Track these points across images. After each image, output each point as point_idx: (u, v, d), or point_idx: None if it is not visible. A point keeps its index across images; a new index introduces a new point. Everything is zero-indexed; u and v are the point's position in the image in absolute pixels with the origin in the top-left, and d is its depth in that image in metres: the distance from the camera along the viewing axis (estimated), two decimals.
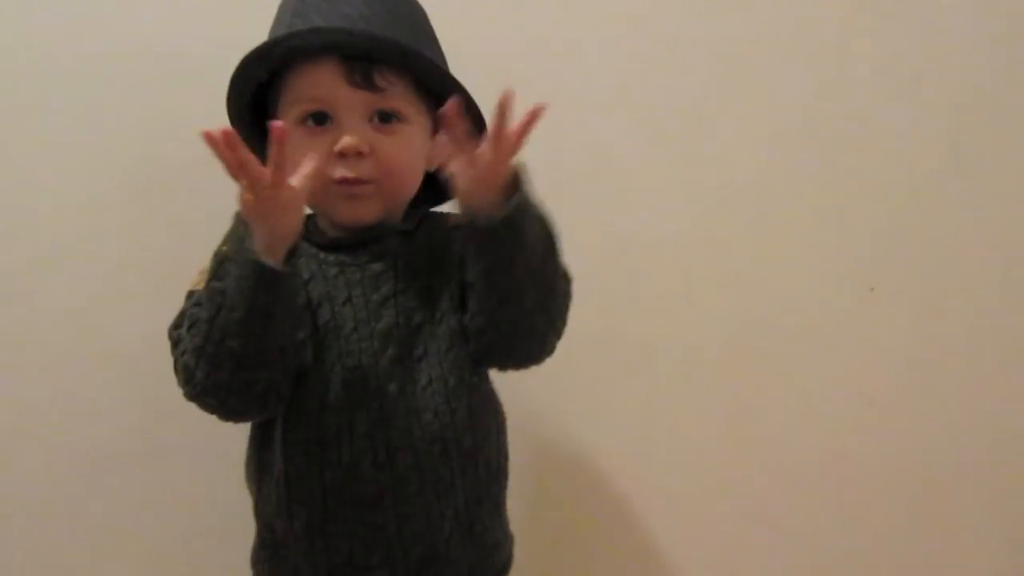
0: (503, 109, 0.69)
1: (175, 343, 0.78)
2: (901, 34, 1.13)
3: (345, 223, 0.83)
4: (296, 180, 0.70)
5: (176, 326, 0.79)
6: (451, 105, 0.70)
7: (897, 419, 1.15)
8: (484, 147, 0.71)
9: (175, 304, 0.86)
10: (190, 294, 0.81)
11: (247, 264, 0.69)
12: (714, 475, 1.13)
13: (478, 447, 0.82)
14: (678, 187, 1.11)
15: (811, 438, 1.14)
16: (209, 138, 0.66)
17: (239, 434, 0.88)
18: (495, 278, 0.77)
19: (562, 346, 1.04)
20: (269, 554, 0.84)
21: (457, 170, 0.73)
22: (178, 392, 0.92)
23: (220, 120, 0.94)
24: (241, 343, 0.72)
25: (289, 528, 0.81)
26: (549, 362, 0.94)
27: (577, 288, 1.03)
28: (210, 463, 1.02)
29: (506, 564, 0.88)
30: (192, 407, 0.88)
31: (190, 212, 1.01)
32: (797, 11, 1.12)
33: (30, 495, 1.04)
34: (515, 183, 0.73)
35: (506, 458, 0.88)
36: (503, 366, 0.86)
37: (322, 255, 0.82)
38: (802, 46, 1.12)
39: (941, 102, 1.14)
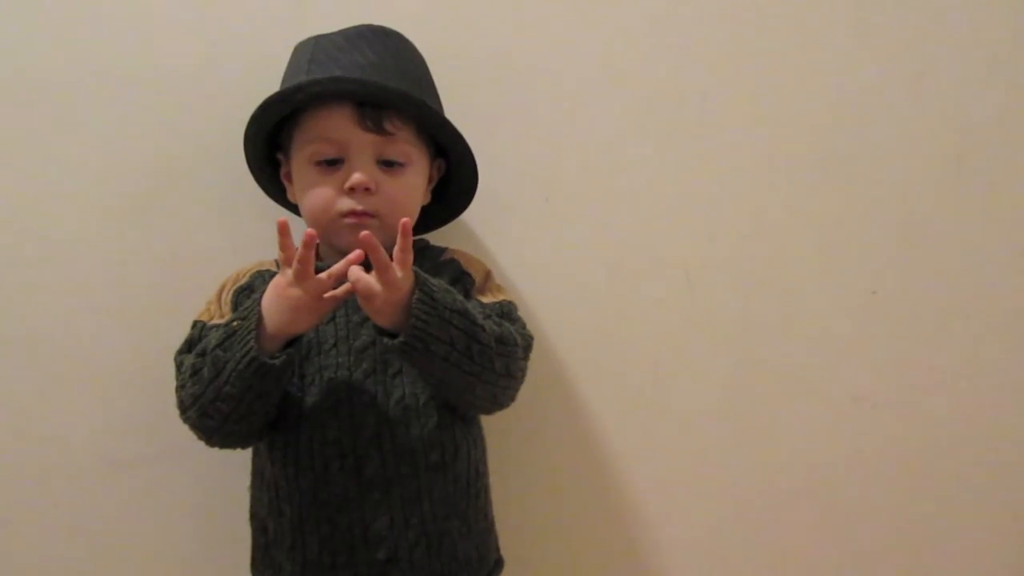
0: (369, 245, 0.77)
1: (178, 367, 0.88)
2: (904, 36, 1.13)
3: (346, 250, 0.90)
4: (329, 295, 0.81)
5: (180, 352, 0.89)
6: (365, 236, 0.77)
7: (899, 423, 1.15)
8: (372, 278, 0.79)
9: (178, 309, 0.95)
10: (195, 323, 0.90)
11: (248, 356, 0.79)
12: (716, 478, 1.14)
13: (446, 463, 0.88)
14: (680, 190, 1.12)
15: (813, 441, 1.14)
16: (282, 228, 0.78)
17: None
18: (421, 374, 0.86)
19: (565, 350, 1.09)
20: (261, 555, 0.92)
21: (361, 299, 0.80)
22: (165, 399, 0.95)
23: (222, 131, 1.02)
24: (231, 408, 0.82)
25: (277, 526, 0.89)
26: (551, 366, 0.99)
27: (580, 292, 1.08)
28: (213, 467, 1.04)
29: None
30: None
31: (197, 219, 1.07)
32: (800, 13, 1.12)
33: (34, 498, 1.07)
34: (410, 302, 0.78)
35: (479, 476, 0.93)
36: (472, 414, 0.94)
37: None
38: (805, 49, 1.12)
39: (944, 105, 1.13)
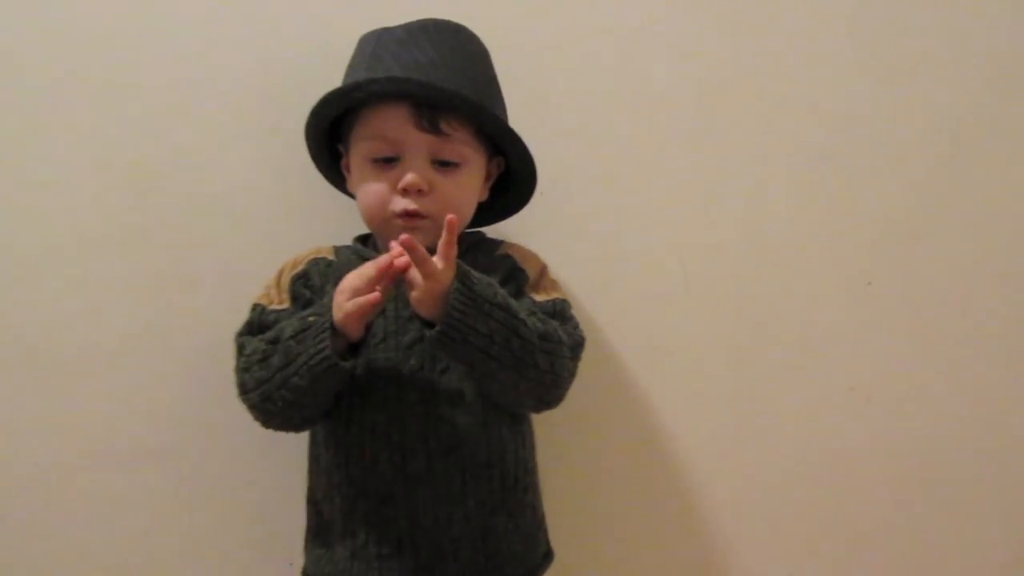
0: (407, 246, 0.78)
1: (239, 348, 0.90)
2: (898, 29, 1.13)
3: None
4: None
5: (242, 334, 0.91)
6: (404, 239, 0.78)
7: (895, 415, 1.15)
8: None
9: (179, 306, 1.01)
10: (255, 306, 0.93)
11: (322, 354, 0.81)
12: (712, 473, 1.15)
13: (492, 459, 0.89)
14: (675, 185, 1.12)
15: (808, 434, 1.15)
16: (407, 244, 0.78)
17: (243, 435, 0.99)
18: (465, 369, 0.86)
19: None
20: (313, 535, 0.95)
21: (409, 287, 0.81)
22: (181, 393, 1.05)
23: (221, 124, 1.06)
24: (295, 398, 0.85)
25: (330, 512, 0.92)
26: None
27: (577, 290, 1.09)
28: (216, 462, 1.09)
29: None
30: (196, 407, 1.02)
31: (195, 213, 1.08)
32: (795, 10, 1.12)
33: (35, 495, 1.08)
34: (449, 295, 0.79)
35: (527, 473, 0.94)
36: (518, 412, 0.94)
37: None
38: (799, 45, 1.12)
39: (938, 96, 1.13)
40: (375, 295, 0.81)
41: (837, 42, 1.12)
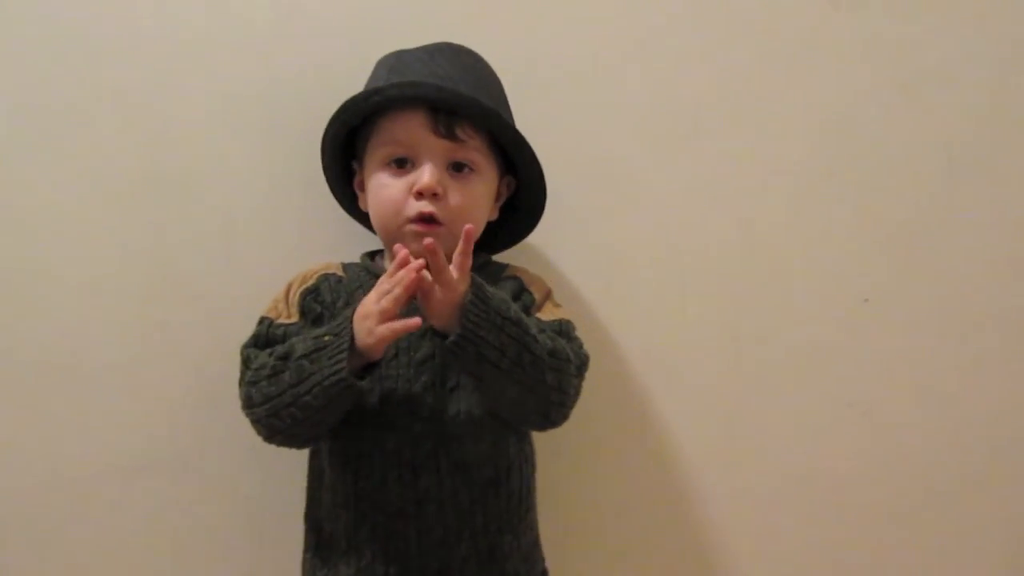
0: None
1: (245, 361, 0.89)
2: (896, 42, 1.14)
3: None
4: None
5: (248, 346, 0.90)
6: (428, 243, 0.78)
7: (892, 430, 1.15)
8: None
9: (182, 319, 1.02)
10: (262, 319, 0.92)
11: (337, 376, 0.80)
12: (708, 486, 1.14)
13: (500, 477, 0.89)
14: (673, 197, 1.13)
15: (805, 449, 1.15)
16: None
17: (240, 450, 0.99)
18: (474, 383, 0.86)
19: None
20: (312, 553, 0.92)
21: (420, 297, 0.82)
22: (179, 403, 1.05)
23: (228, 138, 1.07)
24: (305, 416, 0.83)
25: (334, 530, 0.89)
26: None
27: (573, 298, 1.09)
28: (211, 474, 1.07)
29: None
30: (191, 420, 1.02)
31: (194, 221, 1.08)
32: (794, 21, 1.13)
33: (31, 506, 1.07)
34: (464, 303, 0.79)
35: (530, 492, 0.93)
36: (524, 429, 0.93)
37: None
38: (797, 58, 1.13)
39: (935, 111, 1.14)
40: (416, 320, 0.80)
41: (836, 57, 1.14)
